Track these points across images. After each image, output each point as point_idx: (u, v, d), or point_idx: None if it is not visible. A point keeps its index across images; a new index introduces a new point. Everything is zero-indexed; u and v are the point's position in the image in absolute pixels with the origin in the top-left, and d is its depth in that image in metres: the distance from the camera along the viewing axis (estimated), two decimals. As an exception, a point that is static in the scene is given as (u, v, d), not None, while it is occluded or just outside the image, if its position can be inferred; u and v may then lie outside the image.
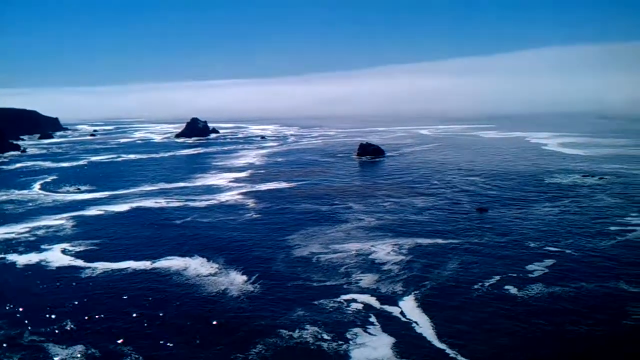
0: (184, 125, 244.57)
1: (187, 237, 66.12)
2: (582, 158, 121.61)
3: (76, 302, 46.88)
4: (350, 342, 38.21)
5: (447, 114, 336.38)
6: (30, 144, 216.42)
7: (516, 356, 36.08)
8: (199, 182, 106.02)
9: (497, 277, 49.05)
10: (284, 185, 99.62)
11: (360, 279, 49.73)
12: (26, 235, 68.52)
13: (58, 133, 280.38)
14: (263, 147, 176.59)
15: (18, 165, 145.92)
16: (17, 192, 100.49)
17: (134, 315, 43.96)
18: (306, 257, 56.69)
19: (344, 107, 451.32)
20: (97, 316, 43.93)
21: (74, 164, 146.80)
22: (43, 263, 57.74)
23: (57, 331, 41.48)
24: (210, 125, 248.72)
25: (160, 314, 43.84)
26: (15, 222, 75.28)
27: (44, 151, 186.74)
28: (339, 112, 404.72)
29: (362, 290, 47.18)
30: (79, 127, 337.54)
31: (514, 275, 49.58)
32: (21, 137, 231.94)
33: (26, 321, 43.33)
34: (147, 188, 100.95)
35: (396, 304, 44.23)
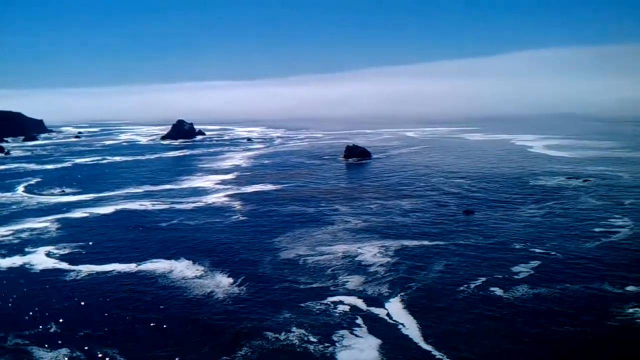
0: (169, 127, 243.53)
1: (172, 239, 65.77)
2: (567, 160, 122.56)
3: (61, 305, 46.49)
4: (337, 344, 38.19)
5: (433, 116, 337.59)
6: (14, 145, 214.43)
7: (501, 357, 36.24)
8: (185, 185, 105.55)
9: (483, 279, 49.28)
10: (270, 187, 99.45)
11: (347, 281, 49.74)
12: (10, 237, 67.83)
13: (42, 135, 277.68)
14: (249, 149, 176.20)
15: (1, 167, 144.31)
16: (0, 194, 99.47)
17: (119, 318, 43.64)
18: (293, 259, 56.63)
19: (331, 109, 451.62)
20: (81, 319, 43.61)
21: (59, 166, 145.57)
22: (27, 266, 57.20)
23: (41, 334, 41.09)
24: (197, 127, 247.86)
25: (146, 317, 43.56)
26: (-1, 224, 74.52)
27: (28, 153, 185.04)
28: (326, 114, 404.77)
29: (349, 292, 47.20)
30: (64, 129, 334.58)
31: (500, 276, 49.84)
32: (5, 139, 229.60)
33: (10, 324, 42.88)
34: (133, 190, 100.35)
35: (382, 306, 44.28)
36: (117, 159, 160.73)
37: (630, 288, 46.22)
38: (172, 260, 57.26)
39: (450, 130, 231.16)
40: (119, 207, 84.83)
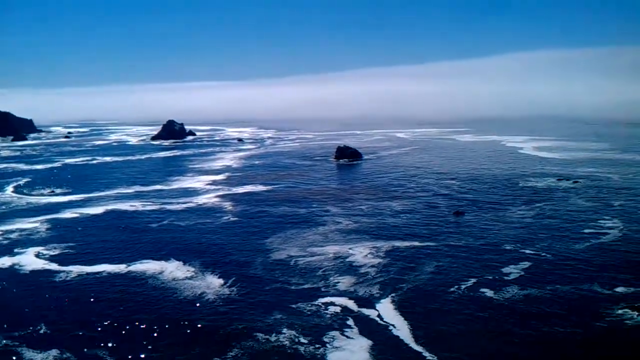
0: (160, 127, 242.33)
1: (163, 240, 65.54)
2: (557, 162, 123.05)
3: (50, 306, 46.26)
4: (328, 345, 38.21)
5: (424, 117, 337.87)
6: (3, 145, 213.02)
7: (492, 358, 36.41)
8: (175, 185, 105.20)
9: (474, 280, 49.46)
10: (261, 188, 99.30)
11: (338, 282, 49.78)
12: (-1, 238, 67.42)
13: (32, 135, 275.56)
14: (240, 150, 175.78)
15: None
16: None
17: (109, 319, 43.45)
18: (284, 260, 56.59)
19: (322, 109, 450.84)
20: (71, 320, 43.41)
21: (48, 166, 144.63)
22: (16, 267, 56.84)
23: (31, 335, 40.87)
24: (187, 127, 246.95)
25: (136, 318, 43.39)
26: (-12, 225, 74.01)
27: (18, 153, 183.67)
28: (318, 115, 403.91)
29: (340, 293, 47.24)
30: (53, 129, 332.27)
31: (490, 277, 50.05)
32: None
33: (-2, 326, 42.65)
34: (123, 191, 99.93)
35: (373, 307, 44.35)
36: (108, 159, 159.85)
37: (619, 289, 46.54)
38: (163, 261, 57.05)
39: (441, 131, 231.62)
40: (109, 207, 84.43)
